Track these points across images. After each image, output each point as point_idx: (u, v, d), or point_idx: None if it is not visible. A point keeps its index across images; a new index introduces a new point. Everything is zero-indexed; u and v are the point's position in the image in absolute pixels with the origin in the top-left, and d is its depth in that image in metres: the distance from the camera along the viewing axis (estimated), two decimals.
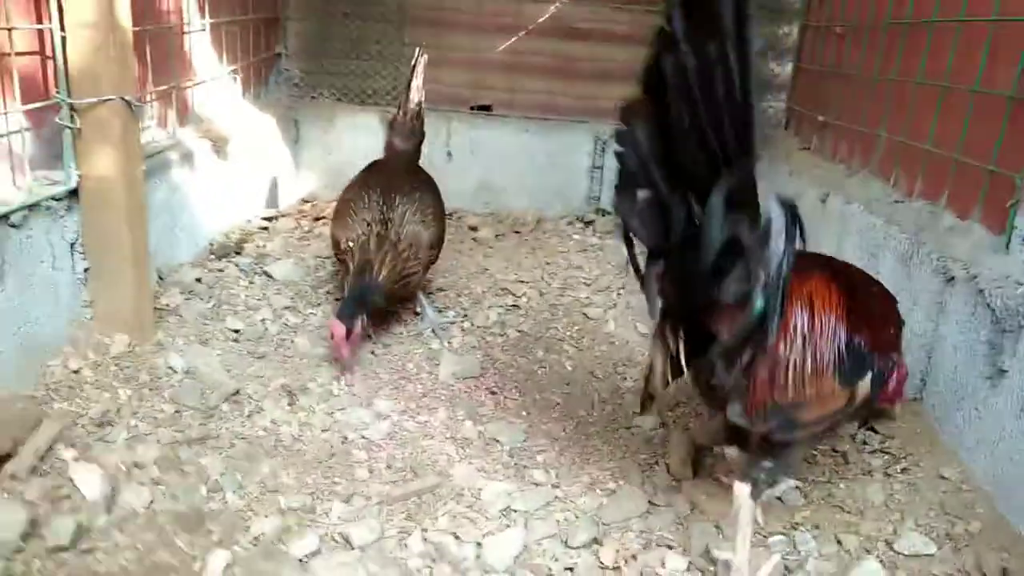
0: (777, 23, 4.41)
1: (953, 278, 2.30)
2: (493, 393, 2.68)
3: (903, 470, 2.23)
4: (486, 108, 4.69)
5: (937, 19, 2.75)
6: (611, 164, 4.44)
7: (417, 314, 3.14)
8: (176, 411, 2.33)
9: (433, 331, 3.05)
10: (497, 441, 2.39)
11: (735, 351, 1.65)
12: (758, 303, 1.55)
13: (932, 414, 2.40)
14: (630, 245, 1.74)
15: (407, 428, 2.42)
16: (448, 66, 4.50)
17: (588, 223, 4.42)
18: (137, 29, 2.46)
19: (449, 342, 2.99)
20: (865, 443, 2.39)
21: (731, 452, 1.94)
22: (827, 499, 2.17)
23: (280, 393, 2.52)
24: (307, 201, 4.54)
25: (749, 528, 1.83)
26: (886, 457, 2.31)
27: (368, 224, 2.82)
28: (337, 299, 3.23)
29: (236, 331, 2.87)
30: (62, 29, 2.15)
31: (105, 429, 2.19)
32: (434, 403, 2.59)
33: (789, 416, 1.73)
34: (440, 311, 3.20)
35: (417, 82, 3.24)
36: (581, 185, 4.61)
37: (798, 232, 1.54)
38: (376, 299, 2.72)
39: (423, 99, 3.29)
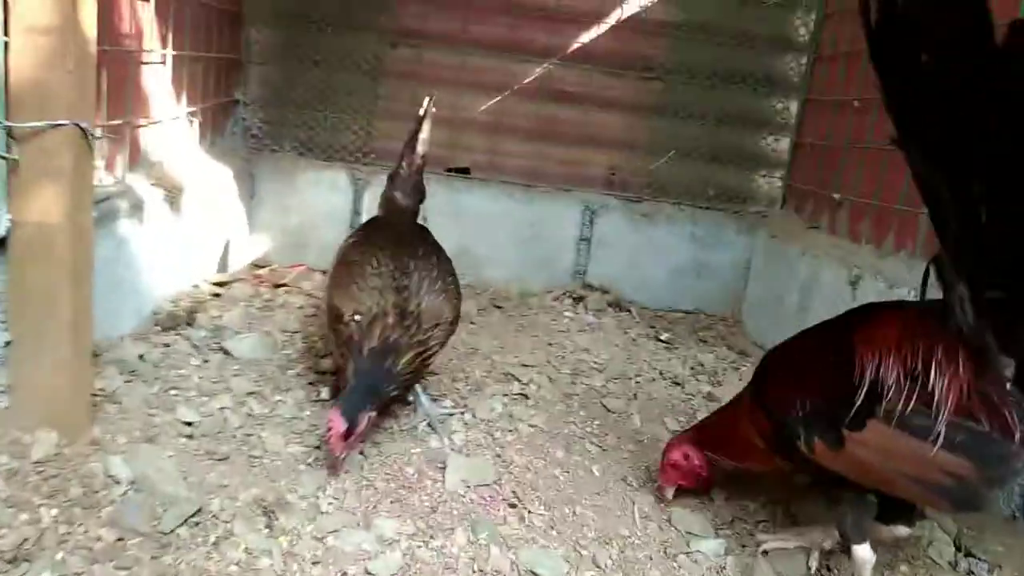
0: (773, 97, 4.22)
1: None
2: (513, 506, 2.20)
3: None
4: (464, 171, 4.29)
5: None
6: (600, 236, 4.11)
7: (409, 403, 2.63)
8: (118, 539, 1.75)
9: (430, 425, 2.55)
10: (535, 575, 1.90)
11: None
12: None
13: None
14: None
15: (422, 559, 1.90)
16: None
17: (578, 299, 4.02)
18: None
19: (451, 438, 2.49)
20: (971, 573, 2.00)
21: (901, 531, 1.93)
22: None
23: (253, 510, 1.97)
24: (260, 266, 4.00)
25: None
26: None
27: (381, 293, 2.31)
28: (312, 383, 2.70)
29: (190, 424, 2.31)
30: (4, 32, 1.64)
31: (20, 567, 1.61)
32: (447, 521, 2.08)
33: None
34: (435, 400, 2.71)
35: (425, 134, 2.80)
36: (567, 257, 4.23)
37: None
38: (391, 390, 2.22)
39: (428, 152, 2.86)
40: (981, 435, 1.63)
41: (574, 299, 4.02)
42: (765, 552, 2.06)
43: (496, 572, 1.89)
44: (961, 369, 1.64)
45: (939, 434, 1.61)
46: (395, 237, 2.55)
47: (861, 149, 3.43)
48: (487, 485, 2.28)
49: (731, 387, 3.10)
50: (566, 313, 3.83)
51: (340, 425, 2.04)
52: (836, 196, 3.60)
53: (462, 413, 2.66)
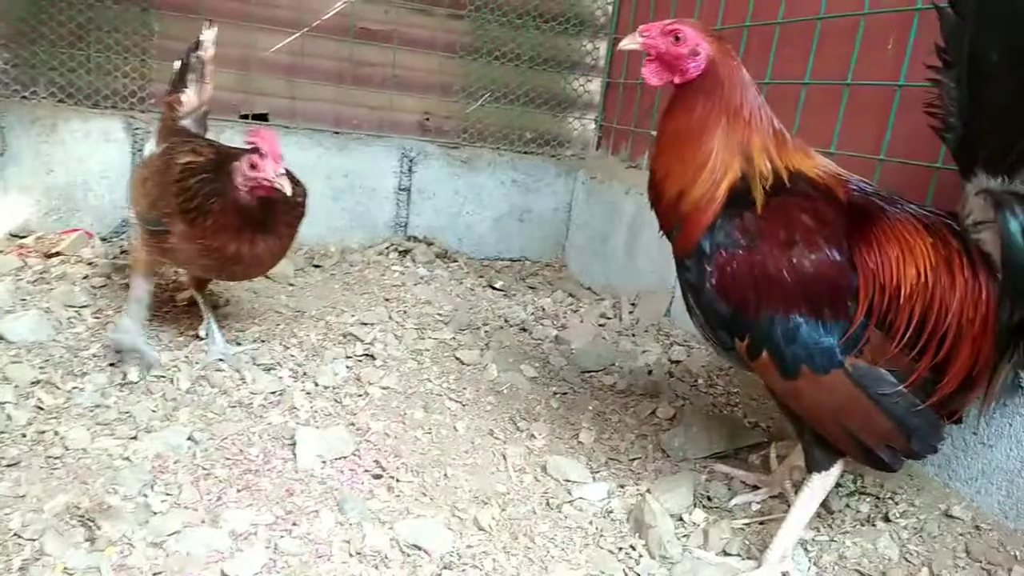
0: (583, 37, 4.17)
1: None
2: (378, 477, 1.97)
3: (903, 514, 1.93)
4: (262, 117, 3.85)
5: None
6: (420, 185, 3.89)
7: (201, 339, 2.31)
8: None
9: (224, 361, 2.31)
10: (421, 549, 1.70)
11: None
12: None
13: None
14: None
15: (288, 550, 1.63)
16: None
17: (404, 252, 3.77)
18: None
19: (295, 411, 2.20)
20: (839, 485, 2.07)
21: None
22: (840, 563, 1.79)
23: (67, 521, 1.59)
24: (18, 236, 3.34)
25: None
26: (870, 499, 2.00)
27: None
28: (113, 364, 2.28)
29: None
30: None
31: None
32: (308, 503, 1.81)
33: None
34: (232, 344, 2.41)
35: (209, 65, 2.47)
36: (387, 209, 3.95)
37: None
38: None
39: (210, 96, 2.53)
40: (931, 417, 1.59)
41: (400, 252, 3.76)
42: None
43: (376, 552, 1.66)
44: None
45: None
46: None
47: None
48: (345, 458, 2.03)
49: (576, 329, 3.04)
50: (394, 267, 3.57)
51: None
52: (654, 133, 3.62)
53: (255, 349, 2.42)
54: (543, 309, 3.27)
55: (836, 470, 1.71)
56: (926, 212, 1.64)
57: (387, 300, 3.06)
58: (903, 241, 1.57)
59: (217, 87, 2.72)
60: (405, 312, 2.96)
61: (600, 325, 3.17)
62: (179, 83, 2.59)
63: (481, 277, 3.70)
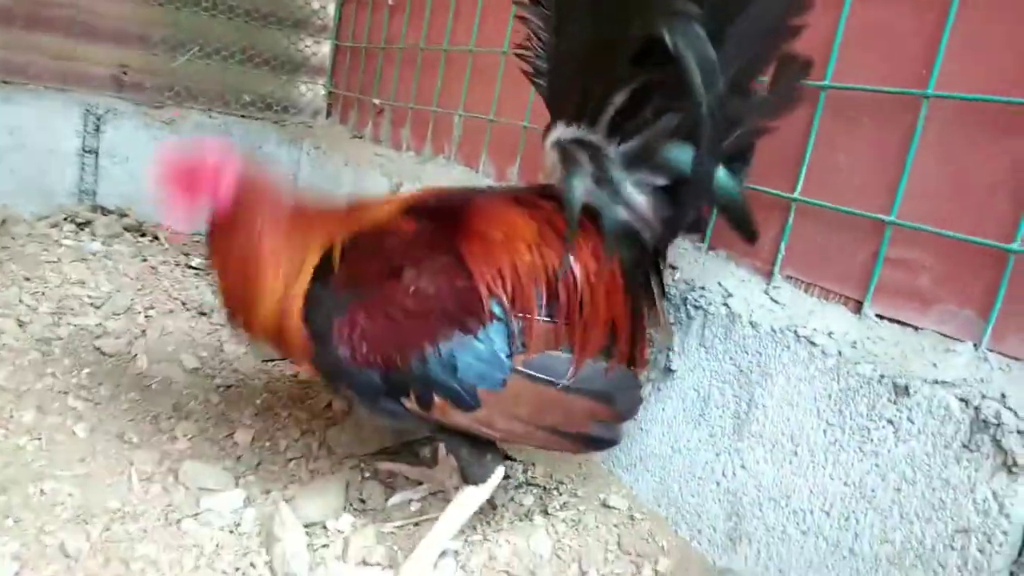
0: None
1: None
2: None
3: (563, 506, 1.82)
4: None
5: None
6: (110, 148, 3.39)
7: None
8: None
9: None
10: None
11: None
12: None
13: None
14: None
15: None
16: None
17: (83, 225, 3.25)
18: None
19: None
20: (508, 477, 1.93)
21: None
22: (490, 565, 1.64)
23: None
24: None
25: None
26: (536, 491, 1.89)
27: None
28: None
29: None
30: None
31: None
32: None
33: None
34: None
35: None
36: (68, 174, 3.38)
37: None
38: None
39: None
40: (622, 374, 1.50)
41: (78, 224, 3.23)
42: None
43: None
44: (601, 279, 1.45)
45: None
46: None
47: (397, 50, 3.23)
48: None
49: None
50: (65, 241, 3.05)
51: None
52: (376, 102, 3.38)
53: None
54: None
55: (496, 479, 1.56)
56: (517, 188, 1.54)
57: (27, 280, 2.57)
58: (502, 222, 1.44)
59: None
60: (42, 294, 2.49)
61: None
62: None
63: (184, 255, 3.27)
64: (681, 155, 1.35)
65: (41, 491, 1.65)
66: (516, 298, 1.40)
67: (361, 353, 1.41)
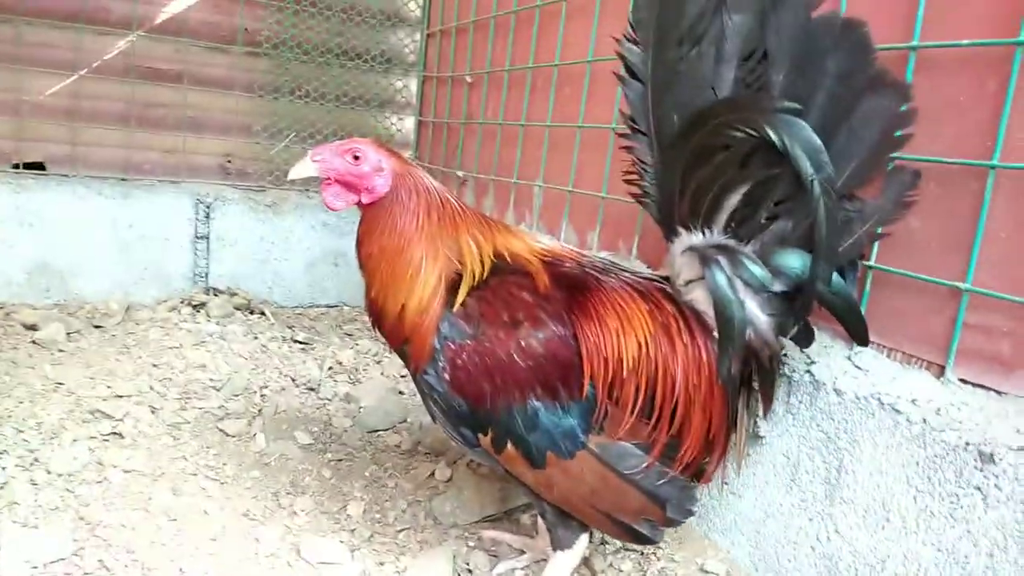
0: (392, 75, 4.08)
1: None
2: None
3: (661, 571, 1.88)
4: (38, 166, 3.53)
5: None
6: (220, 232, 3.66)
7: None
8: None
9: None
10: None
11: None
12: None
13: None
14: None
15: None
16: None
17: (198, 307, 3.53)
18: None
19: (13, 507, 1.94)
20: (604, 543, 2.01)
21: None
22: None
23: None
24: None
25: None
26: (634, 556, 1.95)
27: None
28: None
29: None
30: None
31: None
32: None
33: None
34: None
35: None
36: (182, 260, 3.69)
37: None
38: None
39: None
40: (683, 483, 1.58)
41: (194, 307, 3.51)
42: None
43: None
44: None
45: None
46: None
47: (478, 125, 3.41)
48: (63, 560, 1.79)
49: (370, 384, 2.90)
50: (183, 325, 3.32)
51: None
52: (460, 174, 3.56)
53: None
54: (341, 363, 3.10)
55: (580, 546, 1.66)
56: (640, 279, 1.63)
57: (154, 366, 2.82)
58: (621, 312, 1.54)
59: None
60: (170, 380, 2.72)
61: (402, 376, 3.04)
62: None
63: (290, 328, 3.50)
64: (795, 261, 1.43)
65: (180, 570, 1.82)
66: (613, 388, 1.51)
67: (460, 381, 1.53)
